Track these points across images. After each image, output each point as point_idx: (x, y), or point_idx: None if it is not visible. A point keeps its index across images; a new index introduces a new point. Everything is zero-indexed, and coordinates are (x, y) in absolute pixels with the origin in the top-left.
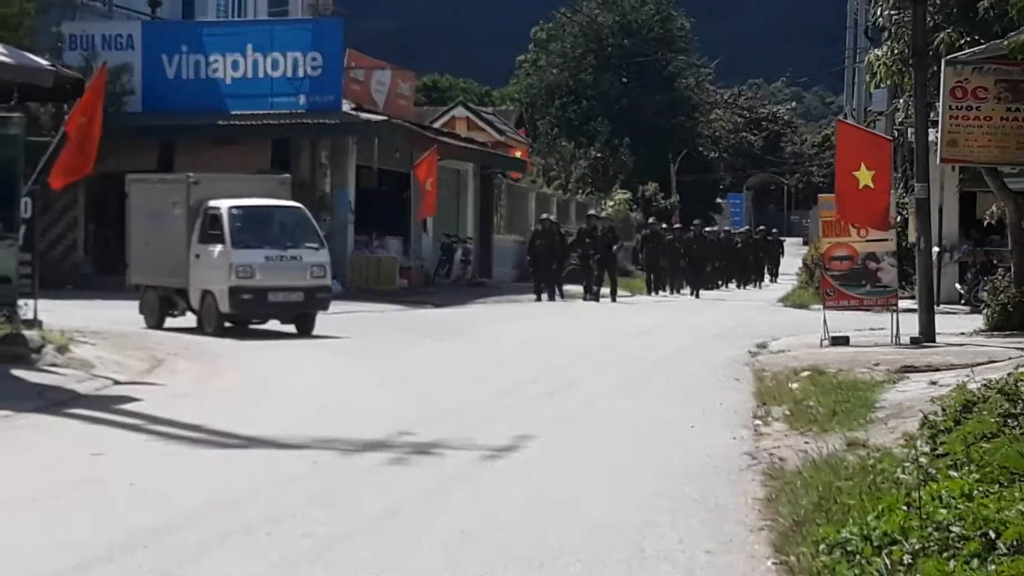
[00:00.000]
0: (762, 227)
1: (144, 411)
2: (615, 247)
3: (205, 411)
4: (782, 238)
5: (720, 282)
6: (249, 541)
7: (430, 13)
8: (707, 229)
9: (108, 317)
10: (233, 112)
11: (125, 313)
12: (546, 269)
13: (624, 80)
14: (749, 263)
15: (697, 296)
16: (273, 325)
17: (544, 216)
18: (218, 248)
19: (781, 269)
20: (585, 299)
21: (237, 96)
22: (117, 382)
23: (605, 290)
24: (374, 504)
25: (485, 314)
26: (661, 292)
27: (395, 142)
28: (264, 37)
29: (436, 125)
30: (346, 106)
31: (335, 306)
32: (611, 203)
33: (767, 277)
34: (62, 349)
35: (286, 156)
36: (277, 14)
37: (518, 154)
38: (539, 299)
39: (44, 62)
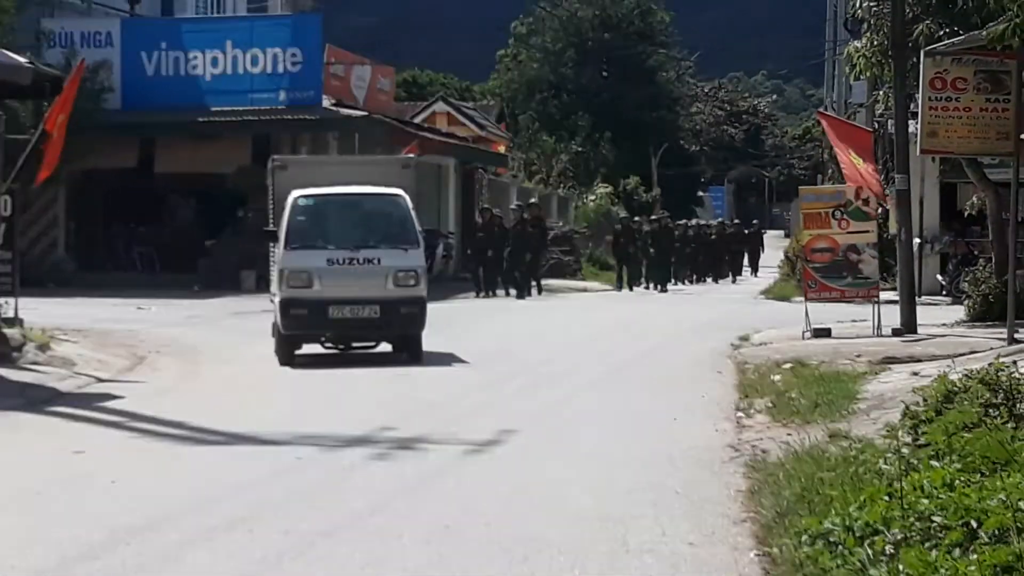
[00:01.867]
0: (737, 220)
1: (126, 408)
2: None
3: (187, 408)
4: (763, 231)
5: (692, 276)
6: (232, 538)
7: (409, 7)
8: (679, 222)
9: (90, 315)
10: (213, 108)
11: (107, 311)
12: (488, 263)
13: (604, 74)
14: (723, 257)
15: (662, 291)
16: (260, 324)
17: (485, 207)
18: (278, 250)
19: (762, 262)
20: (478, 296)
21: (217, 92)
22: (99, 380)
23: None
24: (357, 499)
25: (466, 309)
26: (637, 287)
27: (376, 137)
28: (244, 33)
29: (417, 120)
30: (326, 102)
31: None
32: (592, 197)
33: (745, 271)
34: (43, 347)
35: (266, 152)
36: (256, 10)
37: (500, 149)
38: (483, 295)
39: (22, 60)
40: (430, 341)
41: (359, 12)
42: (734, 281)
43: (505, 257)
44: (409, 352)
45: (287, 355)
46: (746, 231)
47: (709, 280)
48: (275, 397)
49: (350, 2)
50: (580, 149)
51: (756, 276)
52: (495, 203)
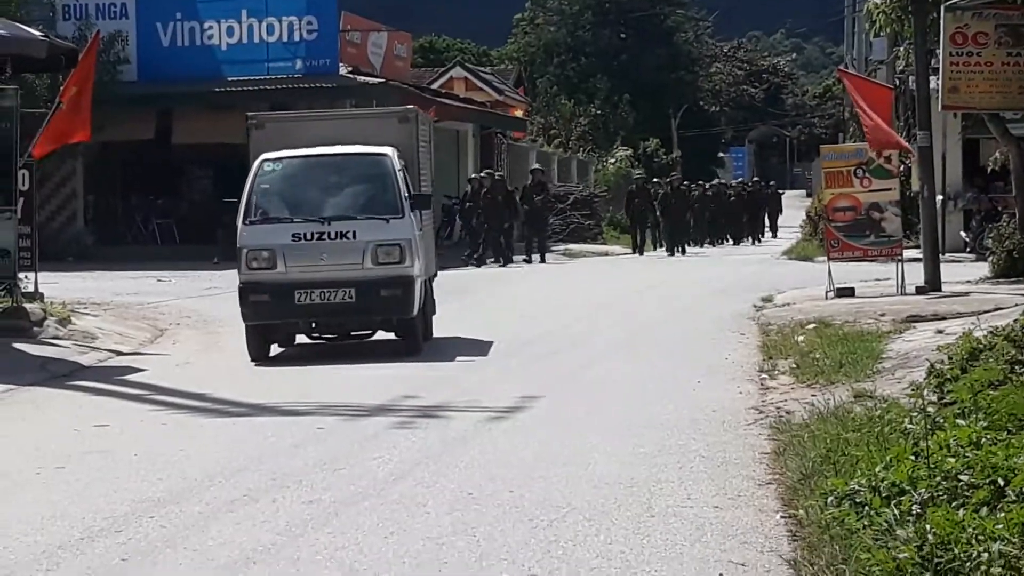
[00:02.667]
0: (756, 179)
1: (147, 381)
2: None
3: (208, 380)
4: (780, 191)
5: (712, 238)
6: (255, 509)
7: None
8: (697, 183)
9: (110, 288)
10: (229, 78)
11: (127, 283)
12: (490, 230)
13: (622, 36)
14: (742, 218)
15: (674, 254)
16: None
17: (472, 176)
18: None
19: (780, 222)
20: (470, 263)
21: (233, 62)
22: (120, 353)
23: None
24: (380, 468)
25: (486, 275)
26: (653, 250)
27: (394, 104)
28: (259, 2)
29: (434, 86)
30: (343, 69)
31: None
32: (612, 160)
33: (767, 232)
34: (64, 321)
35: None
36: None
37: (518, 113)
38: (475, 263)
39: (37, 33)
40: (447, 310)
41: None
42: (755, 242)
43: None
44: (405, 342)
45: (258, 349)
46: (766, 191)
47: (729, 242)
48: (295, 368)
49: None
50: (599, 112)
51: (776, 237)
52: (513, 168)
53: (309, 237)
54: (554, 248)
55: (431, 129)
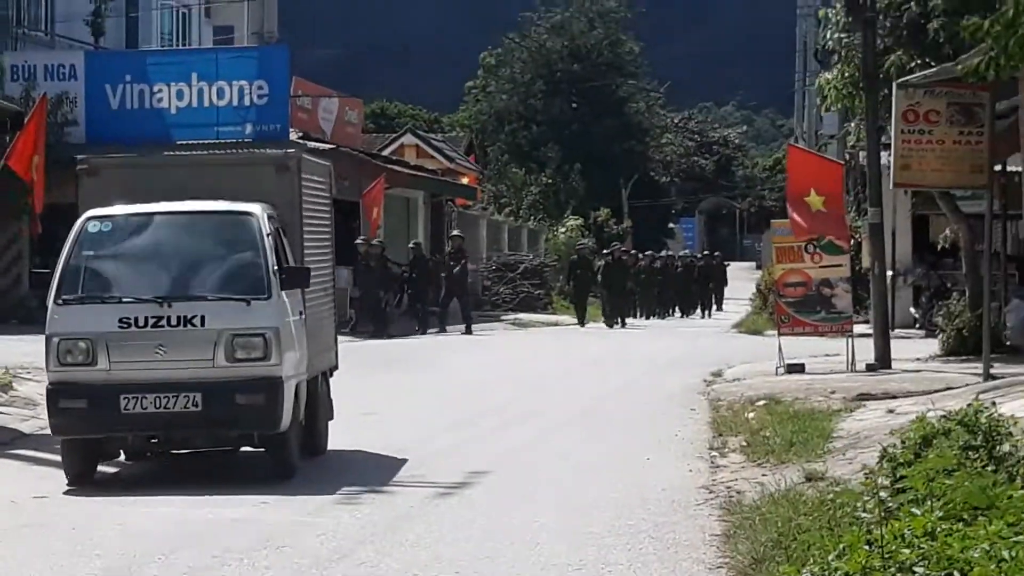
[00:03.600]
0: (706, 252)
1: None
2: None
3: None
4: (726, 263)
5: (658, 311)
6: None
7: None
8: (644, 254)
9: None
10: (179, 142)
11: None
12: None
13: (574, 105)
14: (692, 289)
15: (612, 326)
16: None
17: (362, 239)
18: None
19: (728, 294)
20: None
21: (183, 126)
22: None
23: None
24: (322, 546)
25: (436, 344)
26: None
27: (343, 171)
28: (209, 66)
29: (385, 152)
30: (293, 135)
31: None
32: (563, 229)
33: (714, 305)
34: (5, 387)
35: None
36: (222, 43)
37: (466, 181)
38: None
39: None
40: (383, 381)
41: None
42: (704, 315)
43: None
44: (273, 460)
45: (76, 467)
46: (712, 262)
47: (677, 314)
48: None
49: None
50: (550, 181)
51: (720, 310)
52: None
53: (142, 323)
54: (503, 317)
55: (331, 181)
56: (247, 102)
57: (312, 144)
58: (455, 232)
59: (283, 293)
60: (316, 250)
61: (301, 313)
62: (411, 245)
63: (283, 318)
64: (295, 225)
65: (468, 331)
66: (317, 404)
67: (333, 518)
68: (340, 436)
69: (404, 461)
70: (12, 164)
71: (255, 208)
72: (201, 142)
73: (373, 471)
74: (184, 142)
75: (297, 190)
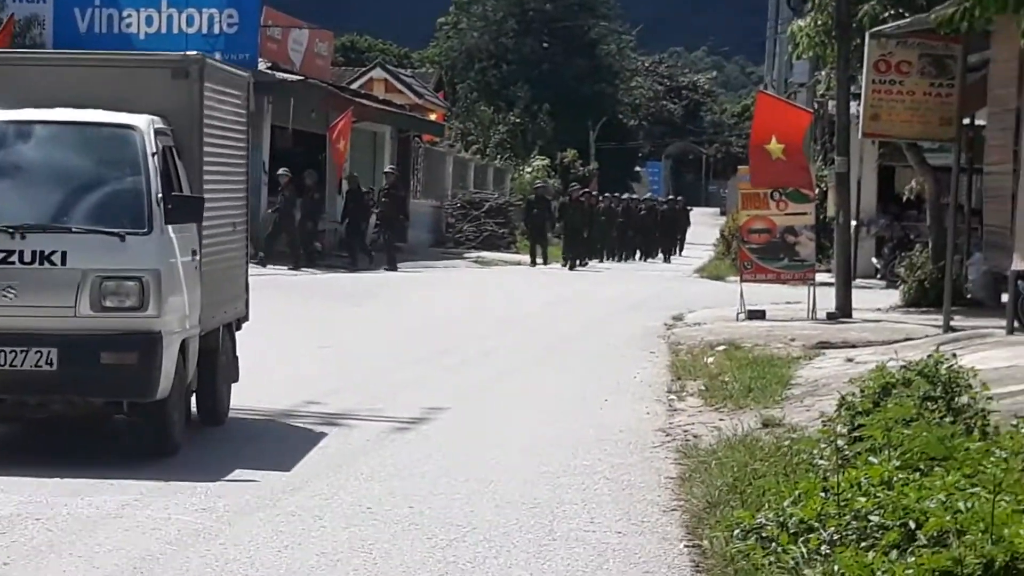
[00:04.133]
0: (671, 196)
1: None
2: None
3: None
4: (689, 208)
5: (620, 254)
6: (144, 515)
7: None
8: (605, 195)
9: None
10: None
11: None
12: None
13: (545, 45)
14: (654, 233)
15: (570, 267)
16: None
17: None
18: None
19: (690, 239)
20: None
21: (151, 52)
22: None
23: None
24: (277, 478)
25: (399, 279)
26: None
27: (311, 103)
28: None
29: (354, 86)
30: (262, 65)
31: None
32: (529, 169)
33: (676, 249)
34: None
35: None
36: None
37: (434, 117)
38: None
39: None
40: (363, 311)
41: None
42: (667, 260)
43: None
44: (148, 432)
45: None
46: (676, 207)
47: (638, 258)
48: None
49: None
50: (518, 120)
51: (680, 255)
52: (429, 172)
53: None
54: (466, 255)
55: (250, 95)
56: (216, 30)
57: (280, 75)
58: (388, 168)
59: (169, 228)
60: (221, 177)
61: (194, 253)
62: (386, 170)
63: (166, 258)
64: (193, 145)
65: (391, 266)
66: (216, 364)
67: (286, 449)
68: (297, 368)
69: (322, 435)
70: None
71: (139, 121)
72: None
73: (278, 448)
74: None
75: (198, 101)
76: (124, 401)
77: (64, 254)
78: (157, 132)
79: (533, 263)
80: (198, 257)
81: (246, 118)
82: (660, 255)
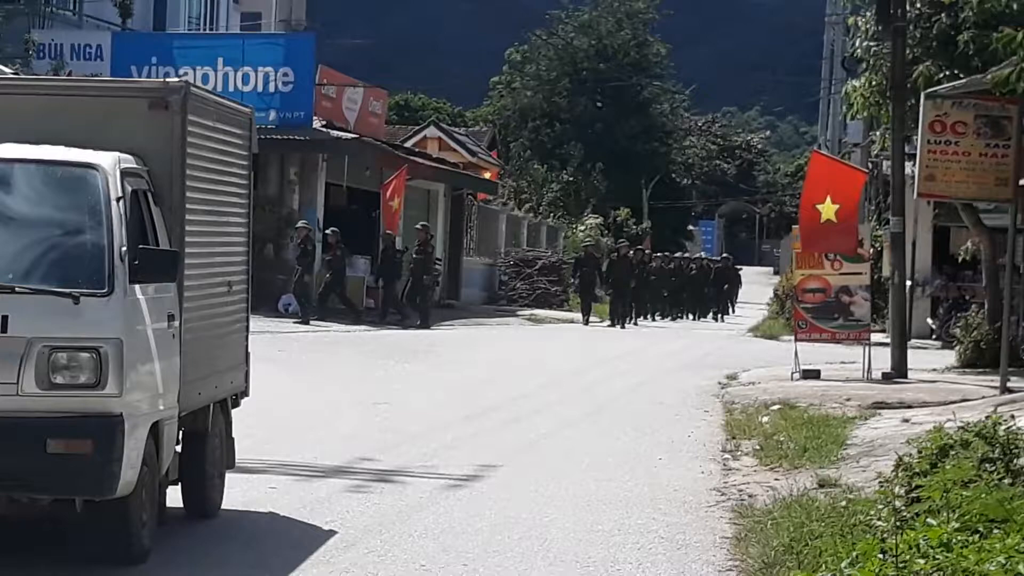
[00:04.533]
0: (724, 255)
1: None
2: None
3: None
4: (739, 267)
5: (671, 312)
6: (196, 572)
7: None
8: (657, 254)
9: None
10: None
11: None
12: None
13: (599, 104)
14: (705, 292)
15: (616, 325)
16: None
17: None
18: None
19: (742, 298)
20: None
21: (126, 79)
22: None
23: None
24: (330, 534)
25: (452, 336)
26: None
27: (365, 160)
28: (235, 51)
29: (408, 144)
30: (317, 123)
31: (300, 324)
32: (582, 227)
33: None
34: None
35: (255, 171)
36: (250, 29)
37: (488, 175)
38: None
39: (8, 70)
40: (416, 368)
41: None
42: (718, 319)
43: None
44: (106, 537)
45: None
46: (728, 266)
47: (689, 317)
48: (250, 422)
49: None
50: (571, 179)
51: (732, 314)
52: (483, 230)
53: None
54: (519, 312)
55: (252, 135)
56: (272, 89)
57: (335, 133)
58: (420, 224)
59: (136, 288)
60: (211, 228)
61: (171, 318)
62: (418, 227)
63: (131, 325)
64: (174, 189)
65: (424, 324)
66: (204, 450)
67: (342, 506)
68: (351, 425)
69: (331, 534)
70: None
71: (102, 159)
72: None
73: (273, 552)
74: None
75: (179, 137)
76: (77, 498)
77: (5, 319)
78: (125, 173)
79: (586, 321)
80: (176, 323)
81: (247, 160)
82: (711, 315)
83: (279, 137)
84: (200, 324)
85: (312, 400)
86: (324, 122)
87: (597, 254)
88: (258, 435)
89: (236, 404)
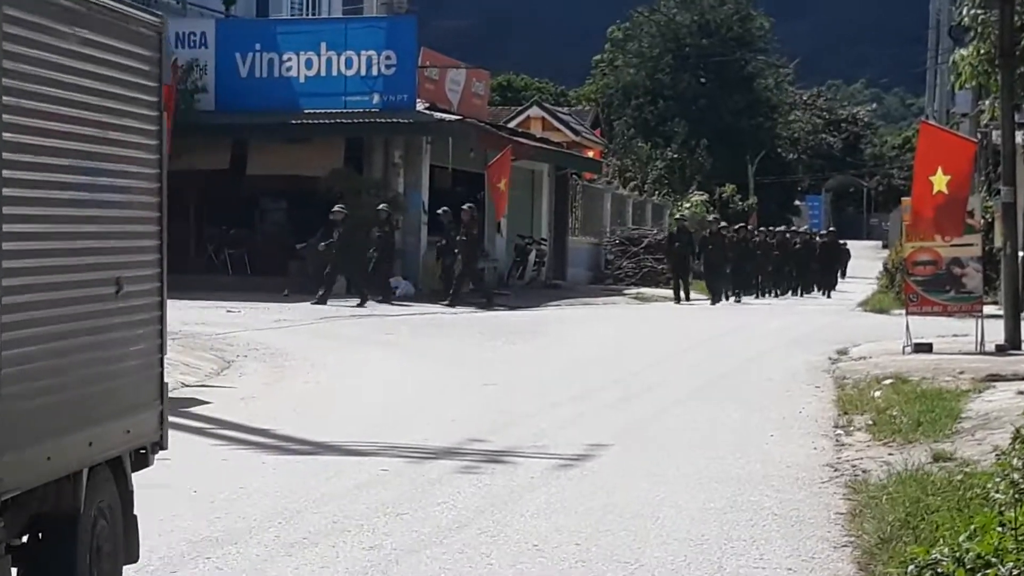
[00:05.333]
0: (831, 228)
1: (212, 415)
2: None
3: (273, 415)
4: (843, 241)
5: (775, 288)
6: (314, 553)
7: (505, 11)
8: (761, 229)
9: (178, 318)
10: (306, 111)
11: (196, 313)
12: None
13: (702, 80)
14: (811, 268)
15: (716, 302)
16: (349, 329)
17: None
18: None
19: (848, 273)
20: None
21: (310, 95)
22: (185, 384)
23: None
24: (443, 515)
25: (559, 316)
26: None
27: (469, 142)
28: (338, 36)
29: (511, 125)
30: (420, 105)
31: (408, 308)
32: (687, 205)
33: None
34: None
35: (359, 155)
36: (351, 12)
37: (592, 154)
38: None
39: None
40: (525, 348)
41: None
42: (826, 295)
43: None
44: None
45: None
46: (835, 239)
47: (794, 293)
48: (362, 404)
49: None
50: (676, 156)
51: (834, 291)
52: (587, 209)
53: None
54: (626, 291)
55: (163, 56)
56: (375, 72)
57: (438, 115)
58: (467, 205)
59: None
60: (70, 192)
61: None
62: (464, 207)
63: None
64: None
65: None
66: (71, 543)
67: (454, 487)
68: (460, 406)
69: (444, 514)
70: None
71: None
72: (328, 111)
73: (389, 532)
74: (312, 111)
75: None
76: None
77: None
78: None
79: (677, 299)
80: None
81: (155, 96)
82: (816, 290)
83: (383, 120)
84: (43, 349)
85: (421, 382)
86: (427, 104)
87: (691, 230)
88: (369, 418)
89: (145, 463)
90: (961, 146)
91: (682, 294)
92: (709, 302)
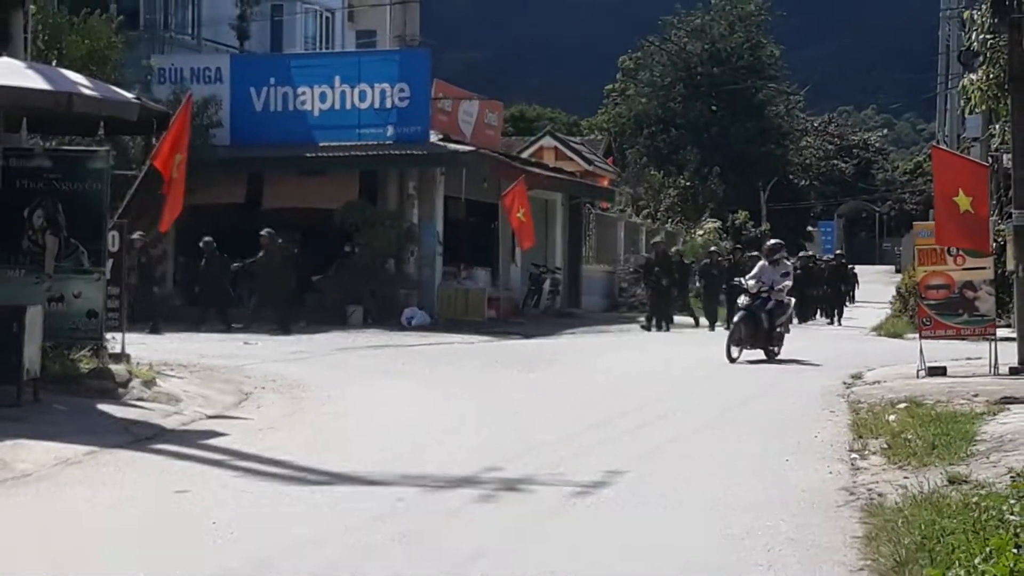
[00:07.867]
0: (838, 252)
1: (230, 446)
2: None
3: (291, 446)
4: (852, 266)
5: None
6: None
7: (518, 42)
8: (739, 249)
9: (196, 350)
10: (321, 144)
11: (214, 346)
12: None
13: (713, 108)
14: (818, 293)
15: (713, 328)
16: (366, 360)
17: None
18: None
19: (861, 298)
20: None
21: (325, 128)
22: (204, 416)
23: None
24: (461, 544)
25: (574, 344)
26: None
27: (483, 172)
28: (352, 69)
29: (524, 155)
30: (433, 137)
31: (424, 337)
32: (700, 232)
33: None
34: (149, 383)
35: (374, 187)
36: (365, 46)
37: (605, 183)
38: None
39: (129, 95)
40: (540, 377)
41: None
42: (833, 321)
43: None
44: None
45: None
46: (849, 266)
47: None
48: (379, 434)
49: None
50: (688, 184)
51: (842, 316)
52: (601, 238)
53: None
54: (639, 319)
55: None
56: (388, 104)
57: (452, 146)
58: (264, 231)
59: None
60: None
61: None
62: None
63: None
64: None
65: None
66: None
67: (471, 516)
68: (478, 435)
69: (461, 543)
70: (157, 164)
71: None
72: (342, 144)
73: (409, 563)
74: (326, 144)
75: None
76: None
77: None
78: None
79: (647, 327)
80: None
81: None
82: (821, 316)
83: (397, 152)
84: None
85: (438, 411)
86: (441, 136)
87: (676, 258)
88: (386, 448)
89: None
90: (976, 169)
91: (653, 324)
92: (708, 328)
